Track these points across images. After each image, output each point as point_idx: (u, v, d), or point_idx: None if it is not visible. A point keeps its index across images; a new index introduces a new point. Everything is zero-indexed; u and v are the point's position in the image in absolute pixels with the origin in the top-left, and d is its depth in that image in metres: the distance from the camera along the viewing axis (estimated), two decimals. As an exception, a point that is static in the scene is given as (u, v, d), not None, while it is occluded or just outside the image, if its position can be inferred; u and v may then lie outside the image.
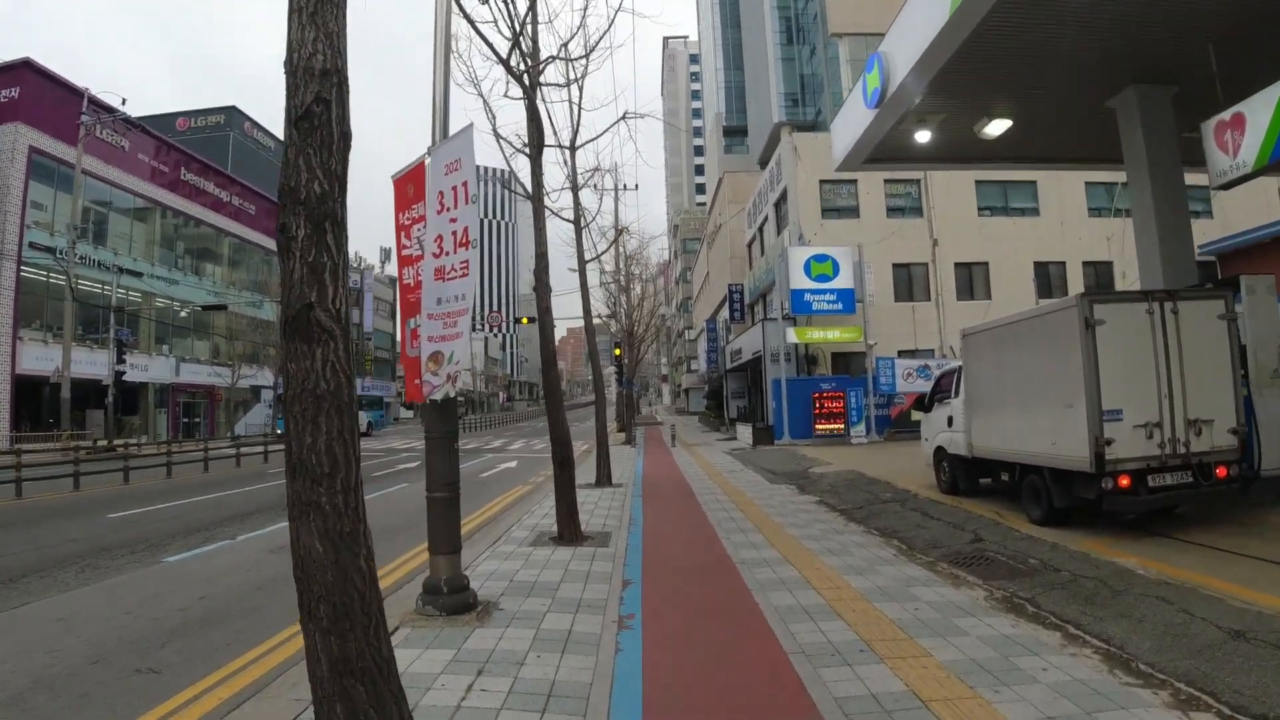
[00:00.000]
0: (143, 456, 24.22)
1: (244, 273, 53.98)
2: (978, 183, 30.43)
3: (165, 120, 61.15)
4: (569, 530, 8.79)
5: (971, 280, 30.06)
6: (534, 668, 4.68)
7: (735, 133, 70.07)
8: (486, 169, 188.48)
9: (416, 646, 5.07)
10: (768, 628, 5.50)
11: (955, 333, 29.70)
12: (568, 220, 14.84)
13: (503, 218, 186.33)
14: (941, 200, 29.83)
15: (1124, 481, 8.22)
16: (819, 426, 25.78)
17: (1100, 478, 8.17)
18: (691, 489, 14.42)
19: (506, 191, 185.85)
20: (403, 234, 6.35)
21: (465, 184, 5.65)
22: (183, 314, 43.27)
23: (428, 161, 6.03)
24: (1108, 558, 7.61)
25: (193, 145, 54.36)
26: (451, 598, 5.63)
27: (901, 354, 27.72)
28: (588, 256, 15.16)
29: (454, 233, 5.75)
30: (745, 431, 28.91)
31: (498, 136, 9.83)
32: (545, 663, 4.76)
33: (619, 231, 15.07)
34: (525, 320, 36.43)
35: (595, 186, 23.72)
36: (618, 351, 32.35)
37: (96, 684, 5.00)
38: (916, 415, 26.68)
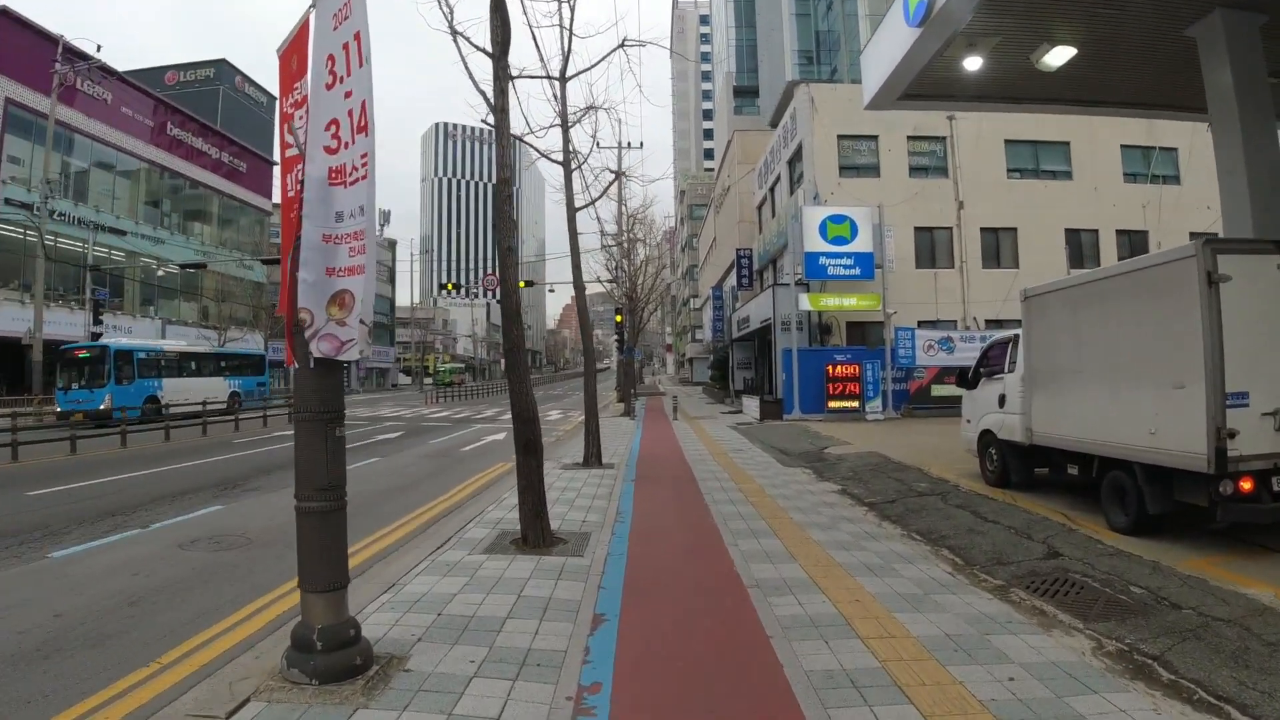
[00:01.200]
0: (108, 424, 22.51)
1: (234, 232, 52.08)
2: (1007, 142, 28.31)
3: (153, 74, 59.02)
4: (535, 532, 7.00)
5: (998, 246, 28.02)
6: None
7: (746, 93, 67.39)
8: (488, 132, 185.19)
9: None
10: (800, 714, 3.68)
11: (979, 303, 27.90)
12: (556, 161, 12.90)
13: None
14: (969, 160, 27.71)
15: (1246, 485, 6.39)
16: (832, 401, 23.94)
17: (1219, 479, 6.33)
18: (693, 472, 12.62)
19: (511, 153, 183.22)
20: (284, 127, 4.46)
21: (358, 36, 3.77)
22: (160, 273, 41.30)
23: (311, 17, 4.11)
24: (1231, 585, 5.82)
25: (182, 100, 52.30)
26: (328, 657, 3.80)
27: (922, 324, 25.79)
28: (581, 202, 13.23)
29: (350, 111, 3.88)
30: (752, 404, 27.10)
31: (455, 33, 7.85)
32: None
33: (617, 175, 13.02)
34: (523, 284, 34.37)
35: (591, 132, 21.69)
36: (619, 318, 30.47)
37: None
38: (940, 390, 25.09)
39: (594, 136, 16.83)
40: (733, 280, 40.65)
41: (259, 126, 61.20)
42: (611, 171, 13.01)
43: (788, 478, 12.03)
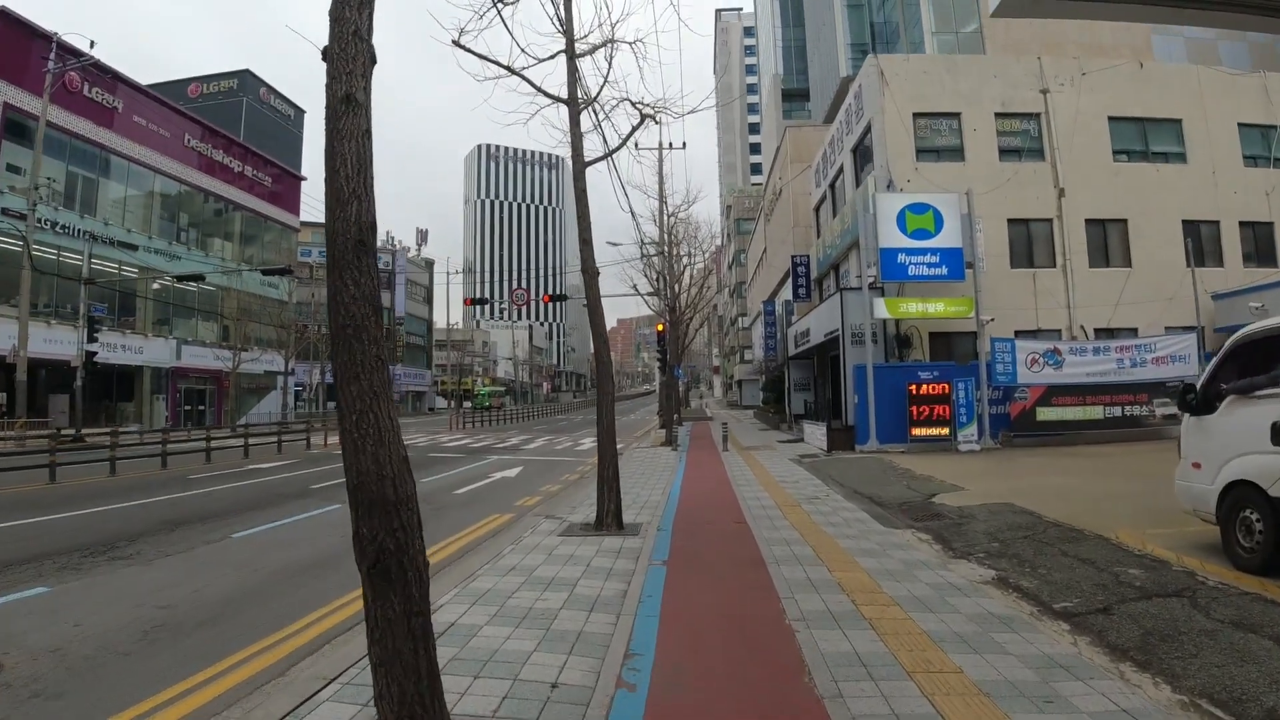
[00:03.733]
0: (93, 449, 19.42)
1: (258, 250, 49.56)
2: (1111, 120, 23.94)
3: (177, 87, 57.28)
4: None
5: (1106, 241, 23.52)
6: None
7: (795, 96, 63.41)
8: (530, 153, 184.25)
9: None
10: None
11: (1087, 307, 23.32)
12: (558, 99, 9.15)
13: (549, 203, 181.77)
14: (1067, 139, 23.37)
15: None
16: (916, 428, 19.66)
17: None
18: (755, 539, 8.56)
19: (552, 174, 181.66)
20: None
21: None
22: (156, 288, 38.52)
23: None
24: None
25: (204, 113, 50.18)
26: None
27: (1019, 334, 21.43)
28: (594, 155, 9.42)
29: None
30: (815, 432, 22.90)
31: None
32: None
33: (644, 117, 9.16)
34: (547, 298, 30.91)
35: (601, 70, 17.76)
36: (660, 327, 26.63)
37: None
38: (1048, 413, 20.55)
39: (607, 70, 12.98)
40: (787, 293, 36.53)
41: (285, 140, 58.97)
42: (638, 107, 9.05)
43: (901, 552, 7.92)
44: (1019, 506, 10.14)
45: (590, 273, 8.99)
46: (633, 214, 24.53)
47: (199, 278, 31.63)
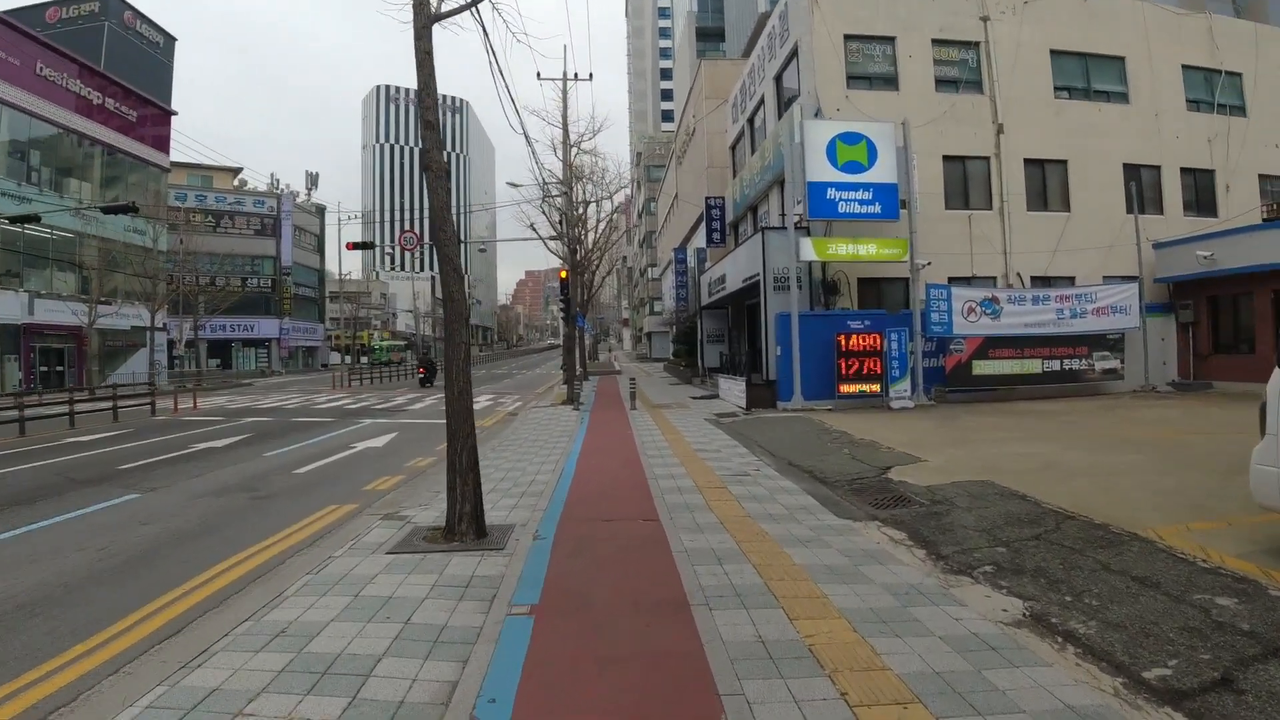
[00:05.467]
0: None
1: (122, 191, 43.81)
2: (1054, 53, 22.13)
3: (34, 12, 50.03)
4: None
5: (1045, 183, 21.84)
6: None
7: (710, 35, 60.45)
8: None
9: None
10: None
11: (1024, 254, 21.35)
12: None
13: (454, 148, 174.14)
14: (1008, 73, 21.44)
15: None
16: (845, 384, 17.63)
17: None
18: (672, 554, 6.02)
19: (457, 118, 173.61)
20: None
21: None
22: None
23: None
24: None
25: (63, 39, 43.74)
26: None
27: (953, 281, 19.60)
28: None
29: None
30: (733, 388, 20.69)
31: None
32: None
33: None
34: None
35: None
36: (563, 274, 23.84)
37: None
38: (984, 367, 18.62)
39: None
40: (699, 240, 34.17)
41: (152, 71, 52.55)
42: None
43: (877, 567, 5.58)
44: (1002, 486, 7.99)
45: (435, 170, 6.21)
46: (527, 138, 21.63)
47: (34, 219, 26.95)
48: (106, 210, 25.80)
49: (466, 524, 6.06)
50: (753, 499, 7.99)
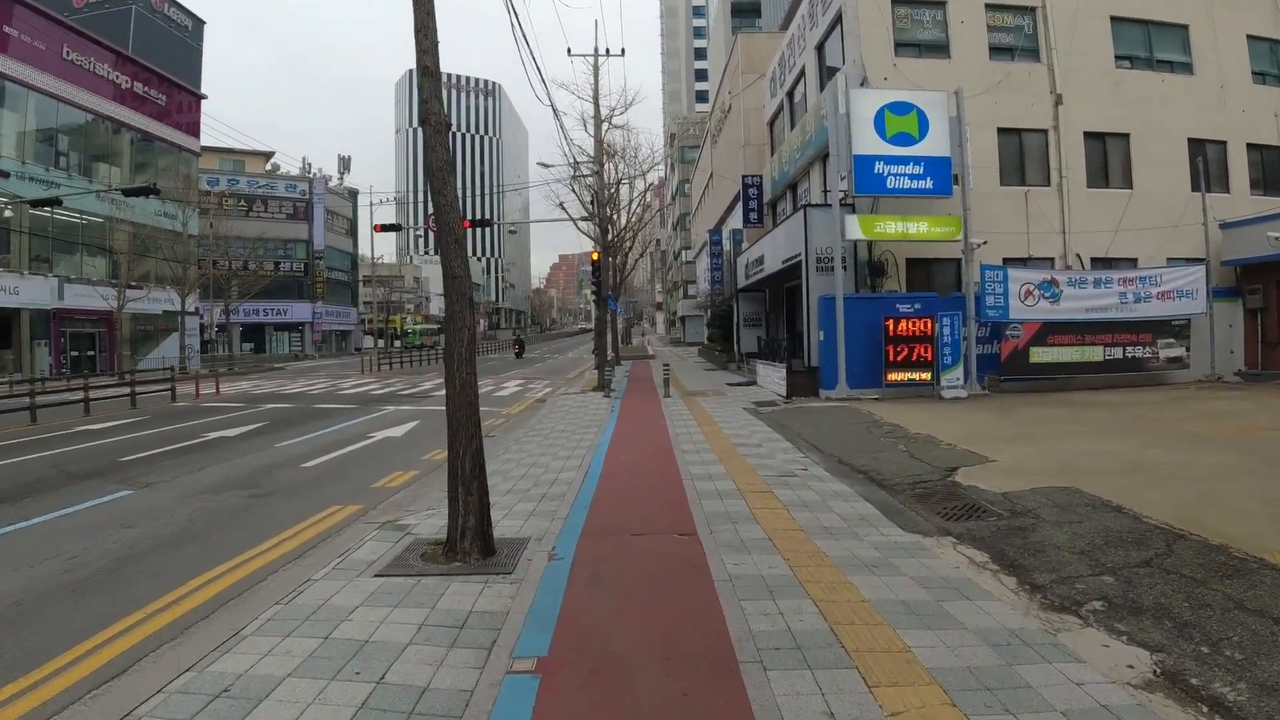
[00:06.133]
0: None
1: (151, 175, 43.60)
2: (1114, 20, 20.60)
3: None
4: None
5: (1106, 158, 20.39)
6: None
7: (745, 11, 58.72)
8: (465, 79, 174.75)
9: None
10: None
11: (1083, 234, 20.11)
12: None
13: (487, 133, 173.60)
14: (1066, 40, 20.00)
15: None
16: (893, 371, 16.53)
17: None
18: (713, 584, 5.05)
19: (490, 101, 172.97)
20: None
21: None
22: (7, 214, 33.17)
23: None
24: None
25: (91, 24, 43.55)
26: None
27: (1007, 262, 18.34)
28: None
29: None
30: (772, 374, 19.66)
31: None
32: None
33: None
34: (466, 224, 26.83)
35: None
36: (595, 256, 22.94)
37: None
38: (1043, 355, 17.18)
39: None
40: (735, 221, 33.00)
41: (181, 55, 52.35)
42: None
43: (960, 602, 4.61)
44: (1090, 495, 6.93)
45: (434, 124, 5.30)
46: (554, 108, 20.58)
47: (55, 202, 26.62)
48: (127, 193, 25.37)
49: (470, 540, 5.17)
50: (803, 506, 7.02)
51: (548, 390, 22.55)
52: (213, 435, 13.86)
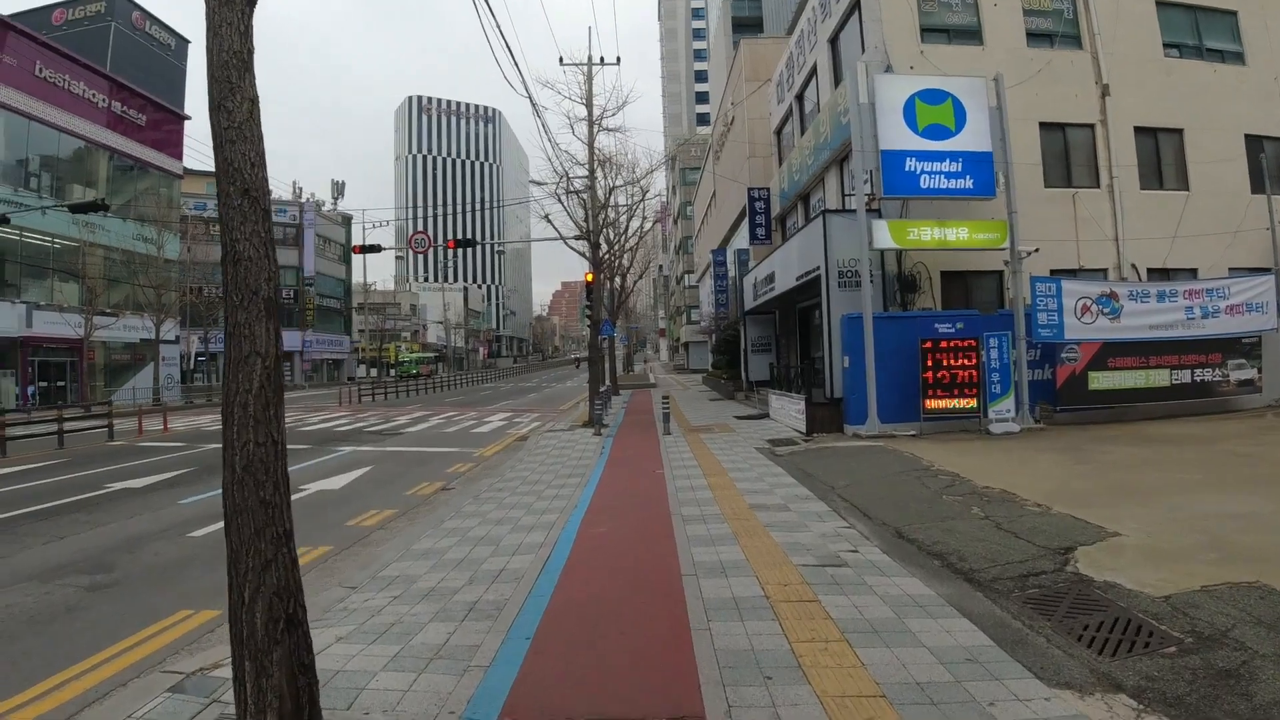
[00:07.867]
0: None
1: (129, 197, 41.57)
2: (1159, 4, 18.37)
3: (41, 15, 48.43)
4: None
5: (1159, 155, 18.03)
6: None
7: (746, 26, 56.81)
8: (466, 105, 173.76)
9: None
10: None
11: (1138, 240, 17.42)
12: None
13: (485, 158, 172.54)
14: (1110, 26, 17.74)
15: None
16: (932, 399, 14.02)
17: None
18: None
19: (490, 128, 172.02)
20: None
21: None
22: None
23: None
24: None
25: (69, 41, 41.81)
26: None
27: (1055, 274, 15.90)
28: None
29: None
30: (787, 406, 17.14)
31: None
32: None
33: None
34: (451, 244, 24.66)
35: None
36: (589, 277, 20.59)
37: None
38: (1103, 380, 14.45)
39: None
40: (741, 240, 30.69)
41: (163, 74, 50.55)
42: None
43: None
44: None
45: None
46: (533, 103, 18.32)
47: (3, 220, 24.42)
48: (74, 209, 23.13)
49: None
50: (872, 633, 4.50)
51: (535, 425, 20.07)
52: (116, 486, 11.42)
